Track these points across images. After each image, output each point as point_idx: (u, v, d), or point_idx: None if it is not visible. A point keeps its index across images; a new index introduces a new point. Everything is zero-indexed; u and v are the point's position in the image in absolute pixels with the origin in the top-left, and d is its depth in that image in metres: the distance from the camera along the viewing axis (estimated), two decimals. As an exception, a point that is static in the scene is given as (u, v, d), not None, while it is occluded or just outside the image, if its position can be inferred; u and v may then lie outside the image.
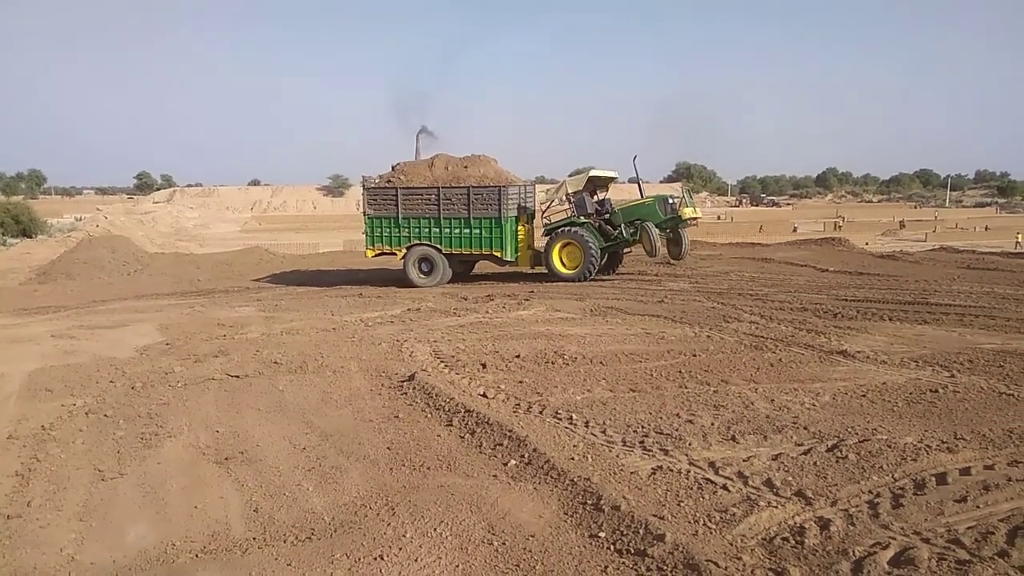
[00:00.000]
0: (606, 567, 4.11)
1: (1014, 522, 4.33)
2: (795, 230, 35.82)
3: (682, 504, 4.82)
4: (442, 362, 8.92)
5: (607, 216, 18.21)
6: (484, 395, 7.43)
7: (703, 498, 4.90)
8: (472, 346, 9.81)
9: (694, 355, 8.92)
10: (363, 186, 19.09)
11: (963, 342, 9.26)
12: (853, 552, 4.08)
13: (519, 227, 18.12)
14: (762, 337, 9.87)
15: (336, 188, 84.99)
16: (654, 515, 4.62)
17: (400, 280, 18.89)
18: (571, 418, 6.61)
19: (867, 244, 28.04)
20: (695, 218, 18.35)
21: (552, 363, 8.70)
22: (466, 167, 18.52)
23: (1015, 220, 49.45)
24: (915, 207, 67.54)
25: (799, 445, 5.76)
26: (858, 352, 8.76)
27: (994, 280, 15.63)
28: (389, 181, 18.68)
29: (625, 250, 18.99)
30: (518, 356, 9.05)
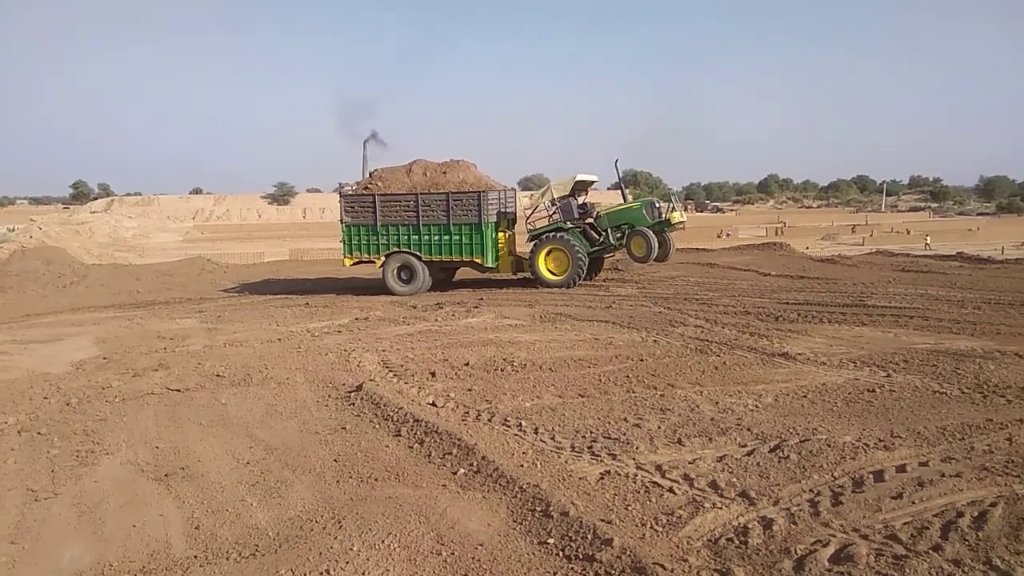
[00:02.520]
0: (555, 573, 4.12)
1: (947, 517, 4.49)
2: (727, 235, 36.62)
3: (629, 508, 4.86)
4: (390, 371, 8.84)
5: (592, 221, 17.99)
6: (433, 404, 7.39)
7: (650, 501, 4.96)
8: (421, 355, 9.75)
9: (641, 360, 9.02)
10: (339, 193, 18.77)
11: (899, 343, 9.58)
12: (795, 551, 4.17)
13: (499, 233, 17.93)
14: (707, 341, 10.04)
15: (281, 196, 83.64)
16: (602, 520, 4.65)
17: (348, 288, 18.70)
18: (520, 425, 6.61)
19: (807, 248, 28.79)
20: (682, 222, 18.13)
21: (501, 370, 8.70)
22: (445, 173, 18.29)
23: (948, 224, 51.45)
24: (855, 211, 69.63)
25: (743, 446, 5.87)
26: (799, 354, 8.98)
27: (927, 282, 16.20)
28: (367, 188, 18.39)
29: (608, 255, 18.70)
30: (467, 364, 9.03)
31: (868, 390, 7.33)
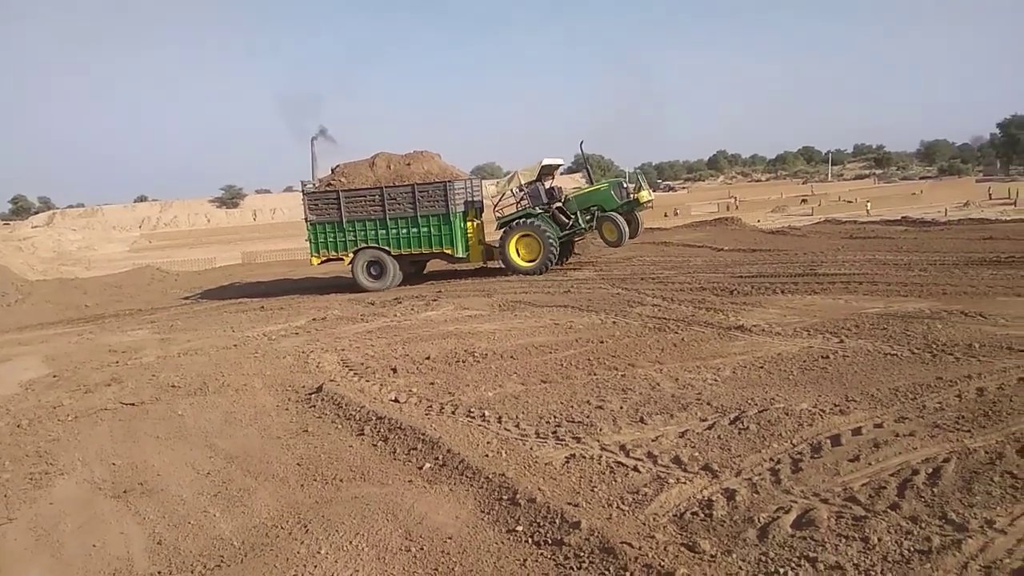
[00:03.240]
0: (524, 560, 4.13)
1: (903, 475, 4.61)
2: (676, 213, 36.99)
3: (596, 490, 4.89)
4: (351, 370, 8.75)
5: (560, 205, 17.88)
6: (396, 400, 7.33)
7: (615, 481, 4.99)
8: (381, 351, 9.67)
9: (601, 342, 9.08)
10: (302, 191, 18.45)
11: (849, 308, 9.80)
12: (759, 519, 4.25)
13: (468, 222, 17.75)
14: (665, 319, 10.15)
15: (230, 199, 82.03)
16: (569, 503, 4.68)
17: (304, 289, 18.46)
18: (484, 415, 6.61)
19: (758, 221, 29.24)
20: (650, 201, 18.19)
21: (463, 362, 8.68)
22: (409, 164, 18.08)
23: (892, 189, 52.69)
24: (803, 183, 70.88)
25: (703, 420, 5.95)
26: (754, 326, 9.13)
27: (875, 248, 16.63)
28: (329, 184, 18.12)
29: (578, 238, 18.58)
30: (428, 358, 8.98)
31: (822, 357, 7.48)
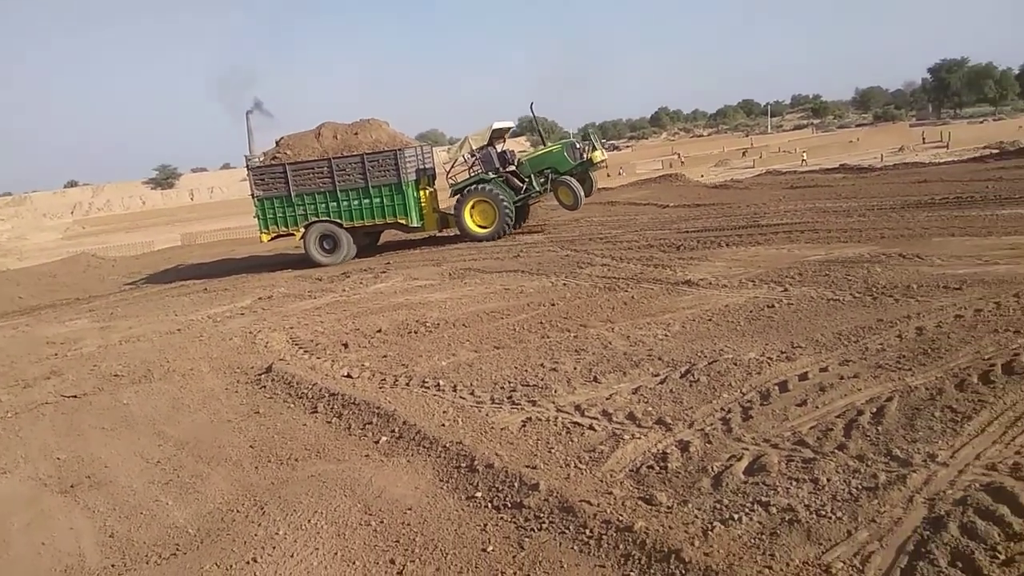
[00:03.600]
0: (485, 525, 4.14)
1: (849, 416, 4.74)
2: (621, 172, 37.18)
3: (553, 451, 4.92)
4: (301, 348, 8.61)
5: (513, 169, 17.56)
6: (348, 375, 7.25)
7: (572, 441, 5.03)
8: (331, 327, 9.53)
9: (553, 304, 9.09)
10: (247, 166, 17.88)
11: (792, 257, 9.99)
12: (712, 468, 4.33)
13: (421, 191, 17.38)
14: (614, 278, 10.21)
15: (164, 180, 79.44)
16: (527, 466, 4.69)
17: (248, 268, 18.06)
18: (439, 385, 6.57)
19: (702, 176, 29.59)
20: (603, 160, 17.95)
21: (415, 332, 8.61)
22: (356, 134, 17.56)
23: (830, 137, 53.82)
24: (745, 136, 71.85)
25: (656, 376, 6.02)
26: (701, 280, 9.25)
27: (815, 196, 16.97)
28: (275, 158, 17.52)
29: (534, 201, 18.27)
30: (380, 331, 8.89)
31: (768, 306, 7.62)
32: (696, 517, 3.85)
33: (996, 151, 25.77)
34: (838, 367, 5.62)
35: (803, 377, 5.51)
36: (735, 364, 5.95)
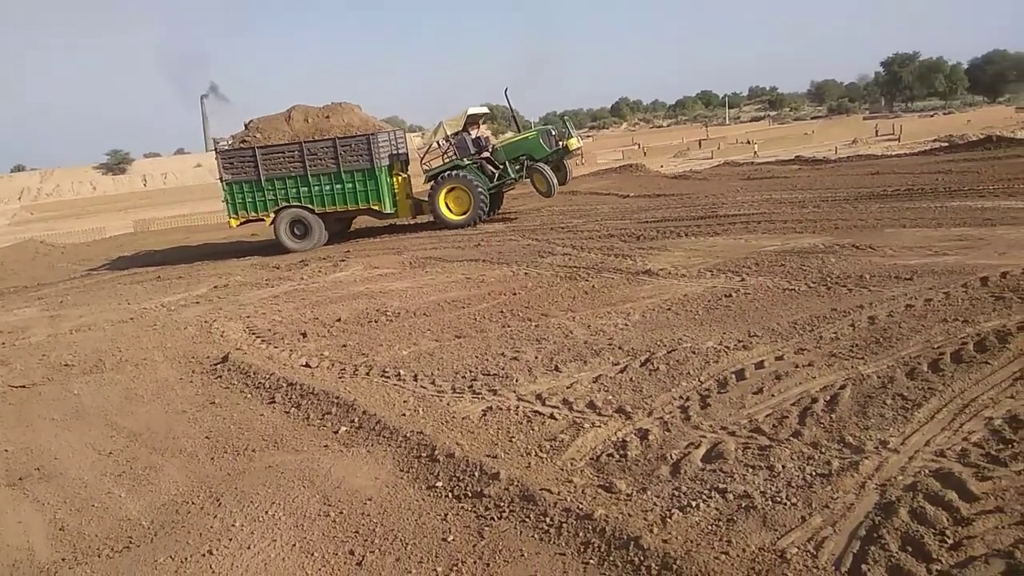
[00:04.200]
0: (446, 515, 4.13)
1: (803, 404, 4.84)
2: (582, 162, 37.26)
3: (514, 440, 4.93)
4: (258, 337, 8.48)
5: (488, 155, 17.32)
6: (307, 365, 7.16)
7: (533, 430, 5.04)
8: (289, 316, 9.41)
9: (514, 293, 9.10)
10: (215, 150, 17.47)
11: (749, 247, 10.14)
12: (671, 456, 4.38)
13: (394, 176, 17.12)
14: (575, 267, 10.25)
15: (116, 165, 77.23)
16: (488, 455, 4.70)
17: (203, 255, 17.71)
18: (399, 374, 6.53)
19: (662, 167, 29.80)
20: (579, 148, 17.79)
21: (375, 322, 8.54)
22: (328, 117, 17.19)
23: (786, 129, 54.70)
24: (704, 126, 72.56)
25: (616, 364, 6.06)
26: (661, 269, 9.34)
27: (771, 187, 17.23)
28: (244, 141, 17.10)
29: (509, 188, 18.08)
30: (339, 320, 8.80)
31: (725, 295, 7.73)
32: (655, 504, 3.89)
33: (945, 144, 26.44)
34: (793, 355, 5.73)
35: (759, 365, 5.60)
36: (694, 353, 6.02)
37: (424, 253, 13.42)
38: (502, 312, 8.25)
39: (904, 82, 76.81)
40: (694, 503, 3.83)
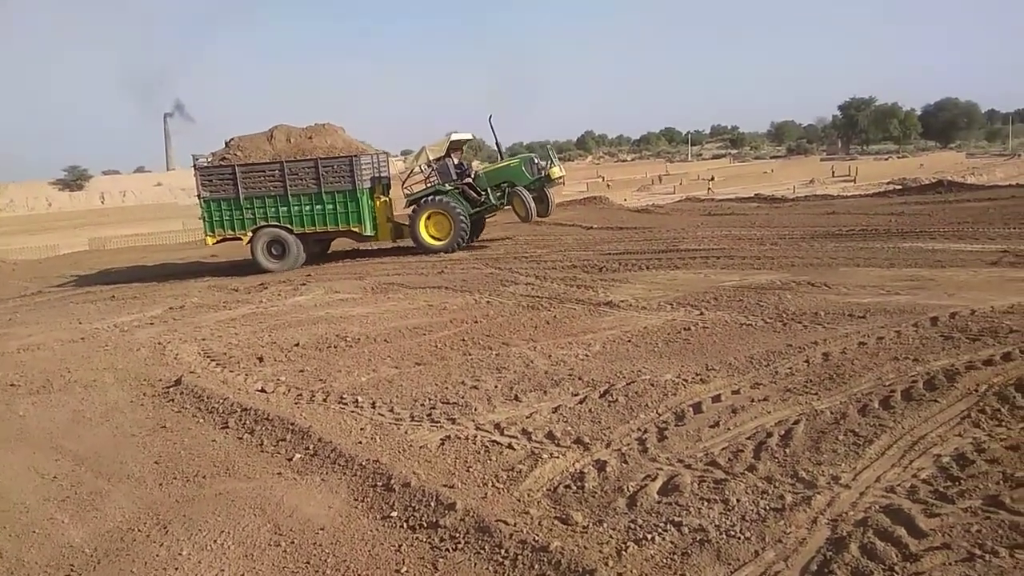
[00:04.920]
0: (400, 546, 4.06)
1: (759, 438, 4.89)
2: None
3: (471, 470, 4.89)
4: (213, 361, 8.32)
5: (470, 181, 17.33)
6: (262, 390, 7.04)
7: (490, 460, 5.01)
8: (246, 339, 9.25)
9: (476, 322, 9.08)
10: (195, 166, 17.28)
11: (708, 282, 10.29)
12: (627, 488, 4.38)
13: (376, 199, 17.06)
14: (538, 297, 10.28)
15: (74, 181, 75.60)
16: (444, 485, 4.65)
17: (160, 276, 17.39)
18: (357, 401, 6.46)
19: (625, 200, 30.22)
20: (562, 177, 17.81)
21: (334, 347, 8.45)
22: (311, 138, 17.16)
23: (746, 168, 55.93)
24: (667, 162, 73.79)
25: (575, 395, 6.07)
26: (622, 301, 9.42)
27: (731, 224, 17.56)
28: (224, 159, 16.99)
29: (490, 215, 18.07)
30: (297, 344, 8.68)
31: (684, 329, 7.81)
32: (611, 537, 3.88)
33: (899, 187, 27.31)
34: (750, 390, 5.80)
35: (716, 399, 5.66)
36: (652, 385, 6.06)
37: (386, 279, 13.36)
38: (463, 340, 8.22)
39: (860, 126, 79.21)
40: (650, 536, 3.83)
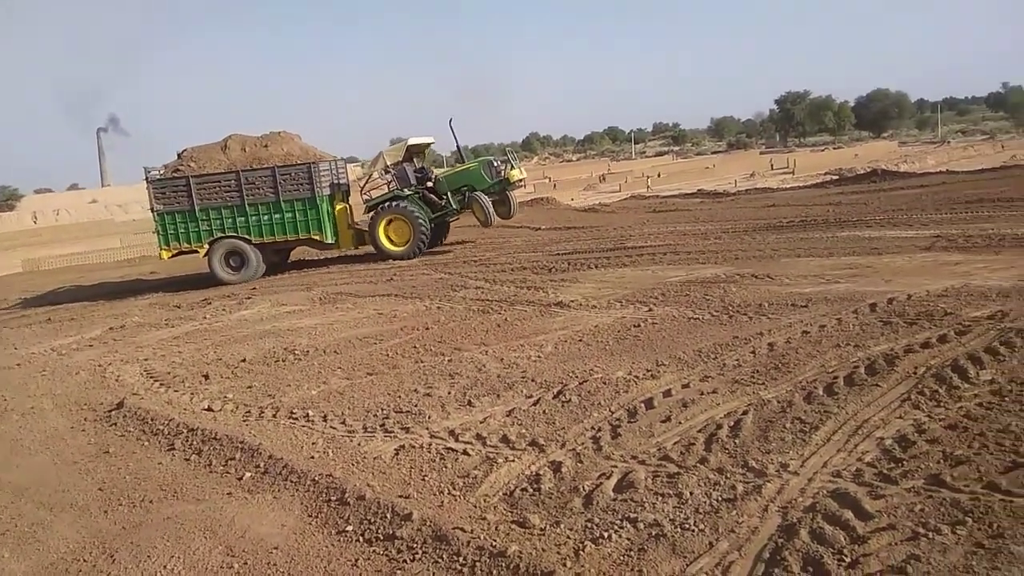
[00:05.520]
0: (356, 560, 4.01)
1: (709, 430, 4.96)
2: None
3: (426, 478, 4.85)
4: (156, 381, 8.09)
5: (430, 185, 17.08)
6: (209, 409, 6.87)
7: (446, 468, 4.98)
8: (191, 357, 9.03)
9: (427, 328, 9.03)
10: (146, 179, 16.83)
11: (656, 278, 10.43)
12: (583, 487, 4.40)
13: (336, 206, 16.75)
14: (488, 300, 10.28)
15: (4, 201, 73.06)
16: (400, 496, 4.60)
17: (98, 295, 16.85)
18: (308, 415, 6.35)
19: (572, 200, 30.42)
20: (522, 179, 17.70)
21: (283, 361, 8.30)
22: (266, 146, 16.77)
23: (689, 164, 56.84)
24: (611, 160, 74.55)
25: (529, 397, 6.08)
26: (572, 301, 9.47)
27: (675, 220, 17.85)
28: (177, 170, 16.52)
29: (452, 219, 17.80)
30: (244, 360, 8.51)
31: (634, 325, 7.90)
32: (568, 537, 3.89)
33: (836, 177, 28.07)
34: (699, 383, 5.89)
35: (667, 394, 5.73)
36: (604, 383, 6.11)
37: (334, 288, 13.19)
38: (415, 347, 8.17)
39: (796, 119, 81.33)
40: (606, 534, 3.85)
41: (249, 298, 13.33)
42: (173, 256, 17.15)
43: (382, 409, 6.29)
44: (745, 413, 5.14)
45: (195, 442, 6.03)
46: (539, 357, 7.24)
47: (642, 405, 5.55)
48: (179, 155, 17.24)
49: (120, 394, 7.65)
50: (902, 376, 5.46)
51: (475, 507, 4.37)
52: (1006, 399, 4.85)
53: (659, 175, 41.20)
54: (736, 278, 9.67)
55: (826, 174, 31.56)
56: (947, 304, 7.23)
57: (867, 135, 77.86)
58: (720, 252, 11.91)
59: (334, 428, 6.00)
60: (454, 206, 16.93)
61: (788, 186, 27.48)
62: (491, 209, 16.48)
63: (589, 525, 3.98)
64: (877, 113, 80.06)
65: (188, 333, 10.72)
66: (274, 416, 6.46)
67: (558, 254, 13.89)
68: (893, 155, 45.49)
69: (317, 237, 16.62)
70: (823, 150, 59.46)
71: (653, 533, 3.80)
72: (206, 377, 7.95)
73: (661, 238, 14.41)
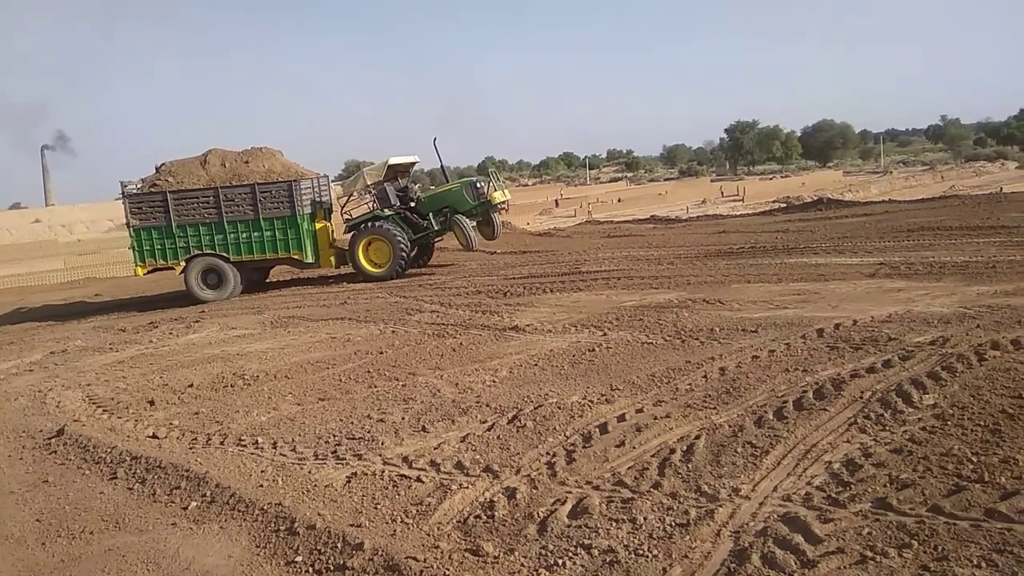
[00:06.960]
0: (306, 592, 3.91)
1: (662, 455, 4.99)
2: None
3: (379, 506, 4.77)
4: (99, 407, 7.83)
5: (413, 205, 16.86)
6: (154, 436, 6.66)
7: (399, 495, 4.91)
8: (136, 383, 8.77)
9: (381, 352, 8.94)
10: (123, 194, 16.36)
11: (610, 303, 10.51)
12: (537, 514, 4.38)
13: (317, 225, 16.46)
14: (443, 324, 10.23)
15: (-54, 219, 70.47)
16: (351, 524, 4.52)
17: (40, 318, 16.32)
18: (257, 442, 6.21)
19: (528, 224, 30.58)
20: (506, 201, 17.52)
21: (231, 386, 8.12)
22: (247, 162, 16.49)
23: (642, 190, 57.76)
24: (567, 186, 75.30)
25: (484, 422, 6.05)
26: (527, 325, 9.49)
27: (629, 245, 18.07)
28: (154, 185, 16.15)
29: (436, 240, 17.60)
30: (191, 385, 8.29)
31: (589, 350, 7.94)
32: (522, 565, 3.86)
33: (783, 205, 28.82)
34: (652, 407, 5.93)
35: (621, 418, 5.75)
36: (559, 408, 6.11)
37: (286, 312, 12.99)
38: (368, 372, 8.07)
39: (745, 147, 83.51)
40: (560, 561, 3.83)
41: (197, 321, 13.03)
42: (148, 272, 16.82)
43: (334, 435, 6.19)
44: (698, 437, 5.19)
45: (139, 471, 5.84)
46: (494, 382, 7.22)
47: (597, 430, 5.56)
48: (157, 169, 16.94)
49: (61, 421, 7.37)
50: (849, 400, 5.58)
51: (428, 535, 4.31)
52: (948, 423, 4.98)
53: (603, 201, 41.82)
54: (688, 303, 9.80)
55: (774, 202, 32.40)
56: (891, 330, 7.43)
57: (813, 164, 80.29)
58: (673, 277, 12.08)
59: (284, 455, 5.88)
60: (435, 226, 16.74)
61: (738, 213, 28.12)
62: (472, 233, 16.41)
63: (543, 552, 3.96)
64: (823, 143, 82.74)
65: (133, 357, 10.41)
66: (222, 443, 6.29)
67: (513, 278, 13.93)
68: (838, 184, 46.96)
69: (297, 256, 16.39)
70: (771, 178, 61.06)
71: (608, 560, 3.79)
72: (151, 403, 7.72)
73: (615, 263, 14.56)
